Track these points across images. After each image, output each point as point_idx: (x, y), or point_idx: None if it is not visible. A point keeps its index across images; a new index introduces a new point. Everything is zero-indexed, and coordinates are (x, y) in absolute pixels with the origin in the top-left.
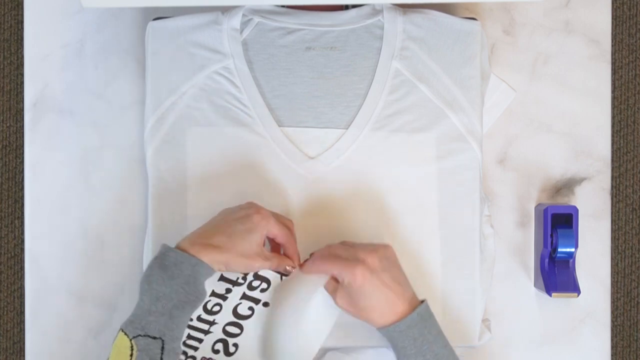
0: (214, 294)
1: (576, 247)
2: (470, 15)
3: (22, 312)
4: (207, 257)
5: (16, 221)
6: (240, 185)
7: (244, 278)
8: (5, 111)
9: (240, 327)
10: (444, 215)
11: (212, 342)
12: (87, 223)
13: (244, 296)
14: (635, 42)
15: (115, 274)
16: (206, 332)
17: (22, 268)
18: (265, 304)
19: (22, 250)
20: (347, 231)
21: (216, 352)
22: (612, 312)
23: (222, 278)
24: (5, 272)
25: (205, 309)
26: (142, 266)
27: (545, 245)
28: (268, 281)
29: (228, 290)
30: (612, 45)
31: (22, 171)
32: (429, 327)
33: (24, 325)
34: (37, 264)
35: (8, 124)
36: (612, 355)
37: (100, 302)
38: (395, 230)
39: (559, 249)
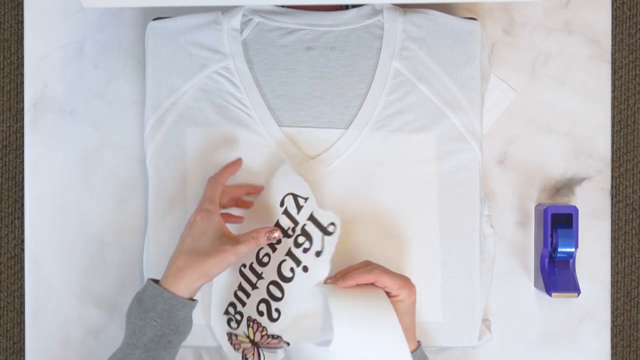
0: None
1: (576, 247)
2: (470, 15)
3: (22, 312)
4: (178, 287)
5: (16, 221)
6: None
7: (293, 230)
8: (5, 111)
9: (282, 290)
10: (444, 215)
11: (257, 301)
12: (87, 223)
13: (289, 253)
14: (635, 42)
15: (115, 274)
16: (253, 286)
17: (22, 268)
18: (305, 268)
19: (22, 250)
20: (347, 231)
21: (260, 313)
22: (612, 312)
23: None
24: (5, 272)
25: (257, 258)
26: (142, 266)
27: (545, 245)
28: (311, 240)
29: (278, 241)
30: (612, 45)
31: (22, 171)
32: None
33: (24, 325)
34: (37, 264)
35: (8, 124)
36: (612, 355)
37: (100, 302)
38: (395, 230)
39: (559, 249)
